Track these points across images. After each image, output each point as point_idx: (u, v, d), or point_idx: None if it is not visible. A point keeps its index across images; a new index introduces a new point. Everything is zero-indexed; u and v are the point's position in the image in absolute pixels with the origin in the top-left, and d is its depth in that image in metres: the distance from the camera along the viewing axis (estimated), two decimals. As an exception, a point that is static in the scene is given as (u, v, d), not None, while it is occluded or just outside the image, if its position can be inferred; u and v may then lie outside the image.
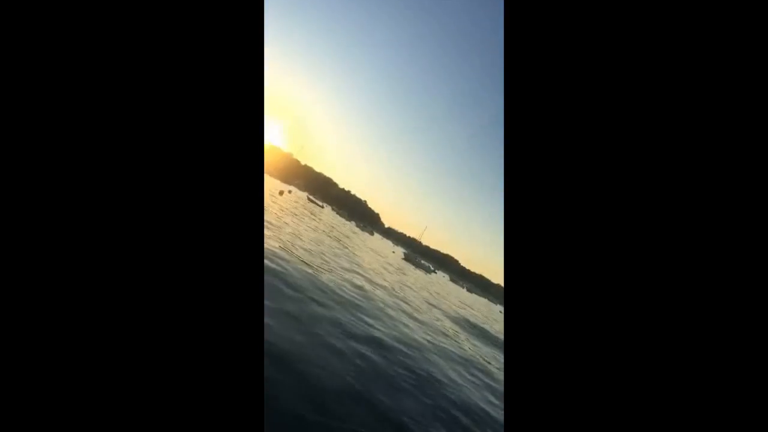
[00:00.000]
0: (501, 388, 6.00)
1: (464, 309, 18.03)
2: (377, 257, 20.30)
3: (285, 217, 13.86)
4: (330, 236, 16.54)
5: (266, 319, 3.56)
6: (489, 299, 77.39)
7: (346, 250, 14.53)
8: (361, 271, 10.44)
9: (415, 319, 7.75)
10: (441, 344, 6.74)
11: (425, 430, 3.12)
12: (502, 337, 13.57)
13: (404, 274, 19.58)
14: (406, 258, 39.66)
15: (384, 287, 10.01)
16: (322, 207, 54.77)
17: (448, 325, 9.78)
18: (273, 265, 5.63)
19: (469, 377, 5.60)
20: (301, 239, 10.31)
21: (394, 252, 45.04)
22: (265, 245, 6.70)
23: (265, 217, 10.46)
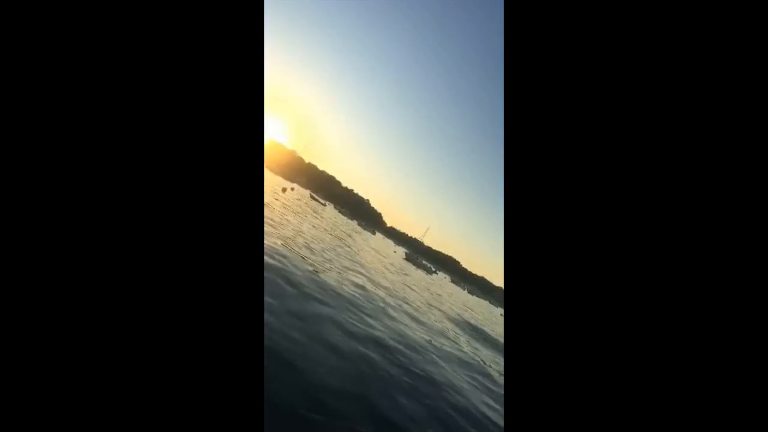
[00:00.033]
0: (500, 390, 5.97)
1: (466, 311, 18.02)
2: (378, 257, 20.31)
3: (287, 215, 13.89)
4: (332, 235, 16.56)
5: (266, 317, 3.55)
6: (490, 301, 77.35)
7: (348, 249, 14.54)
8: (362, 271, 10.44)
9: (416, 320, 7.74)
10: (441, 345, 6.72)
11: (422, 430, 3.11)
12: (501, 339, 13.54)
13: (405, 274, 19.58)
14: (408, 258, 39.69)
15: (385, 287, 10.00)
16: (325, 205, 54.88)
17: (448, 326, 9.76)
18: (274, 263, 5.63)
19: (468, 379, 5.58)
20: (303, 237, 10.32)
21: (395, 252, 45.09)
22: (267, 242, 6.71)
23: (268, 214, 10.49)
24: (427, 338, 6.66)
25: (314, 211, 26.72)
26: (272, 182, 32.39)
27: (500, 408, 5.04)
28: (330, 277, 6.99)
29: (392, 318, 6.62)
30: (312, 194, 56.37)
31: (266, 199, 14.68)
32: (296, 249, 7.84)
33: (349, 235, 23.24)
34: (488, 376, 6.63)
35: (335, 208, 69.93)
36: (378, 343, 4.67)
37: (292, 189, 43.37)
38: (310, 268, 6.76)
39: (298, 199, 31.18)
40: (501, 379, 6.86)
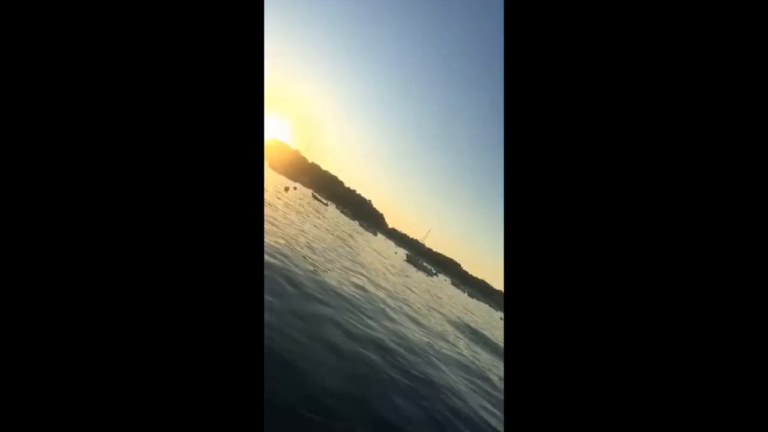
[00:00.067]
0: (498, 394, 5.95)
1: (465, 314, 17.95)
2: (380, 258, 20.29)
3: (290, 214, 13.90)
4: (333, 235, 16.56)
5: (267, 316, 3.56)
6: (490, 305, 77.06)
7: (349, 249, 14.54)
8: (363, 271, 10.44)
9: (416, 322, 7.72)
10: (440, 348, 6.71)
11: (421, 435, 3.10)
12: (500, 343, 13.49)
13: (406, 276, 19.55)
14: (409, 260, 39.63)
15: (385, 288, 9.99)
16: (327, 205, 54.92)
17: (448, 329, 9.73)
18: (276, 262, 5.64)
19: (467, 383, 5.56)
20: (304, 237, 10.32)
21: (396, 253, 45.04)
22: (269, 241, 6.72)
23: (270, 213, 10.50)
24: (427, 340, 6.64)
25: (316, 211, 26.73)
26: (276, 181, 32.42)
27: (498, 412, 5.02)
28: (331, 278, 6.99)
29: (392, 320, 6.60)
30: (314, 194, 56.43)
31: (269, 198, 14.71)
32: (298, 248, 7.85)
33: (351, 236, 23.23)
34: (487, 379, 6.60)
35: (337, 208, 69.96)
36: (377, 345, 4.66)
37: (295, 188, 43.41)
38: (311, 268, 6.76)
39: (301, 199, 31.22)
40: (499, 383, 6.84)
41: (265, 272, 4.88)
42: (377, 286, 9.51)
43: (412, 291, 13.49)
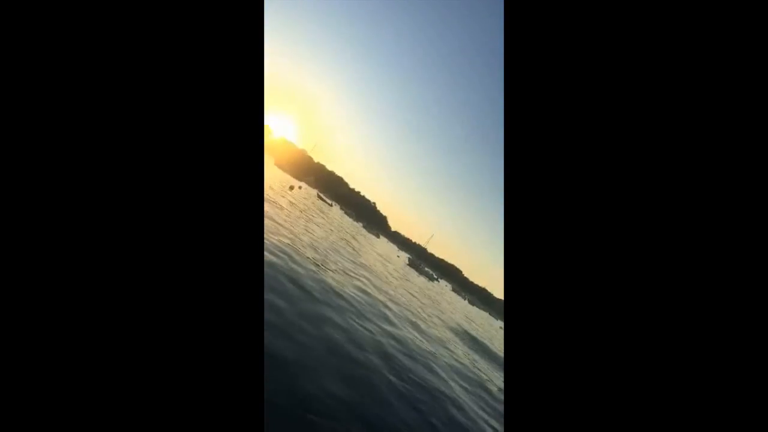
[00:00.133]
0: (495, 404, 5.88)
1: (466, 322, 17.86)
2: (382, 261, 20.27)
3: (294, 213, 13.93)
4: (336, 236, 16.57)
5: (267, 316, 3.54)
6: (490, 313, 76.71)
7: (352, 251, 14.53)
8: (364, 273, 10.42)
9: (416, 327, 7.68)
10: (440, 355, 6.65)
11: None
12: (499, 352, 13.40)
13: (407, 280, 19.50)
14: (411, 264, 39.59)
15: (386, 292, 9.96)
16: (331, 205, 55.07)
17: (448, 336, 9.67)
18: (277, 261, 5.63)
19: (466, 391, 5.50)
20: (307, 237, 10.33)
21: (398, 256, 45.04)
22: (272, 240, 6.72)
23: (274, 212, 10.52)
24: (426, 346, 6.59)
25: (320, 211, 26.81)
26: (281, 179, 32.60)
27: (494, 422, 4.96)
28: (332, 278, 6.97)
29: (392, 323, 6.57)
30: (319, 194, 56.66)
31: (273, 196, 14.77)
32: (300, 248, 7.85)
33: (354, 237, 23.25)
34: (486, 390, 6.53)
35: (341, 209, 70.14)
36: (377, 348, 4.63)
37: (300, 187, 43.61)
38: (313, 268, 6.75)
39: (305, 198, 31.33)
40: (498, 393, 6.76)
41: (267, 271, 4.87)
42: (378, 288, 9.48)
43: (413, 296, 13.44)
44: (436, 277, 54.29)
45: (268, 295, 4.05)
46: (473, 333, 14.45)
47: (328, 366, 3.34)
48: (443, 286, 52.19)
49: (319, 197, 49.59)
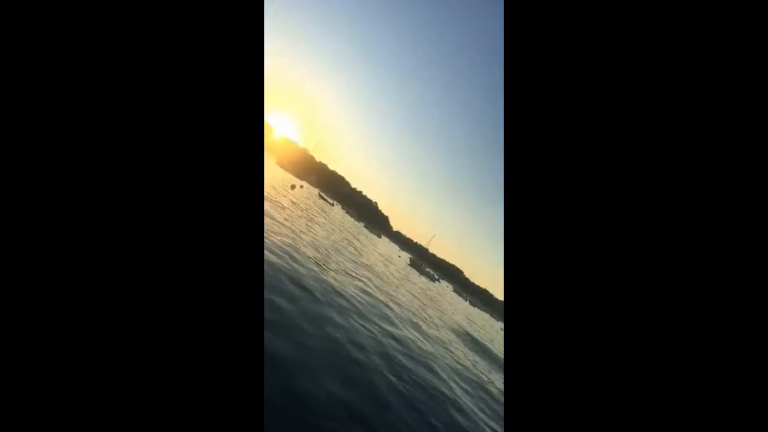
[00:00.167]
0: (495, 405, 5.86)
1: (467, 323, 17.83)
2: (383, 261, 20.27)
3: (295, 213, 13.94)
4: (338, 236, 16.58)
5: (267, 315, 3.53)
6: (491, 314, 76.62)
7: (353, 251, 14.53)
8: (366, 273, 10.41)
9: (417, 327, 7.66)
10: (440, 356, 6.64)
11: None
12: (499, 352, 13.37)
13: (408, 280, 19.49)
14: (412, 264, 39.59)
15: (388, 292, 9.94)
16: (333, 205, 55.10)
17: (449, 336, 9.65)
18: (278, 260, 5.62)
19: (466, 392, 5.48)
20: (308, 236, 10.33)
21: (399, 256, 45.05)
22: (273, 240, 6.71)
23: (275, 212, 10.53)
24: (427, 347, 6.57)
25: (322, 210, 26.83)
26: (283, 179, 32.66)
27: (495, 424, 4.94)
28: (333, 278, 6.96)
29: (393, 324, 6.55)
30: (320, 193, 56.68)
31: (275, 195, 14.78)
32: (302, 248, 7.84)
33: (356, 237, 23.26)
34: (487, 391, 6.51)
35: (343, 208, 70.22)
36: (378, 349, 4.61)
37: (301, 186, 43.66)
38: (315, 268, 6.74)
39: (307, 198, 31.36)
40: (498, 395, 6.74)
41: (268, 270, 4.86)
42: (379, 289, 9.47)
43: (414, 296, 13.43)
44: (437, 277, 54.29)
45: (268, 295, 4.04)
46: (474, 334, 14.42)
47: (328, 366, 3.33)
48: (444, 287, 52.17)
49: (321, 197, 49.62)
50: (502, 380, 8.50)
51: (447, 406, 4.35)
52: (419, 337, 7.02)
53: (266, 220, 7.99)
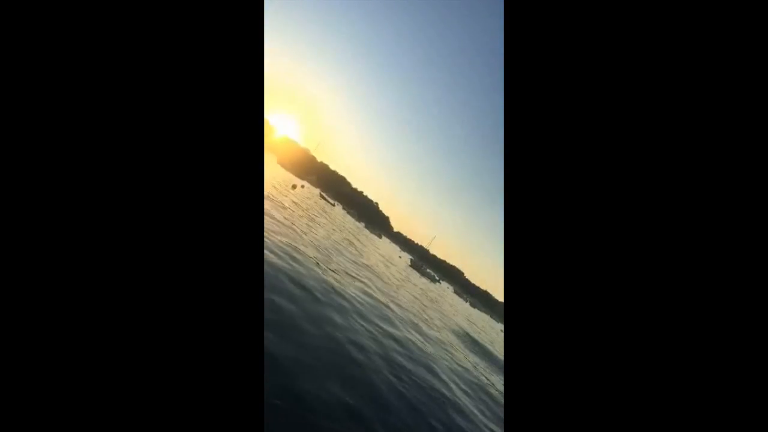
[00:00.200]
0: (494, 405, 5.84)
1: (468, 325, 17.80)
2: (384, 262, 20.25)
3: (296, 213, 13.94)
4: (339, 236, 16.57)
5: (267, 315, 3.52)
6: (491, 316, 76.48)
7: (354, 251, 14.52)
8: (366, 274, 10.40)
9: (417, 329, 7.65)
10: (440, 357, 6.62)
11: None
12: (499, 354, 13.34)
13: (409, 281, 19.46)
14: (413, 265, 39.56)
15: (388, 293, 9.93)
16: (334, 205, 55.08)
17: (450, 338, 9.63)
18: (278, 261, 5.62)
19: (466, 393, 5.46)
20: (308, 236, 10.32)
21: (400, 257, 45.01)
22: (274, 240, 6.71)
23: (275, 212, 10.53)
24: (427, 348, 6.56)
25: (323, 210, 26.84)
26: (284, 178, 32.69)
27: (493, 425, 4.92)
28: (334, 279, 6.95)
29: (394, 325, 6.54)
30: (321, 193, 56.66)
31: (275, 195, 14.79)
32: (302, 248, 7.83)
33: (357, 238, 23.25)
34: (487, 393, 6.49)
35: (343, 208, 70.21)
36: (378, 350, 4.60)
37: (302, 186, 43.65)
38: (315, 268, 6.74)
39: (308, 198, 31.37)
40: (499, 396, 6.72)
41: (268, 270, 4.86)
42: (381, 290, 9.46)
43: (415, 297, 13.41)
44: (437, 278, 54.20)
45: (268, 295, 4.03)
46: (475, 336, 14.40)
47: (328, 367, 3.32)
48: (445, 288, 52.14)
49: (322, 197, 49.62)
50: (503, 382, 8.47)
51: (447, 408, 4.34)
52: (420, 338, 7.01)
53: (267, 219, 7.98)
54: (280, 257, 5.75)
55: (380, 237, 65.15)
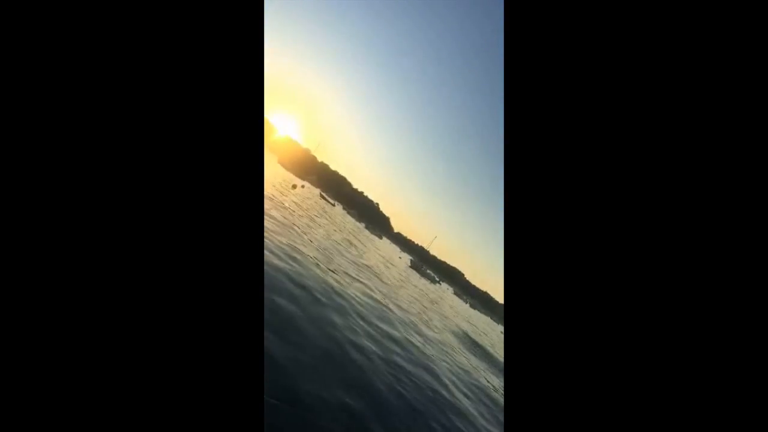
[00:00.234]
0: (494, 407, 5.83)
1: (468, 326, 17.78)
2: (384, 263, 20.24)
3: (296, 213, 13.93)
4: (339, 236, 16.57)
5: (267, 316, 3.52)
6: (491, 317, 76.38)
7: (354, 252, 14.51)
8: (366, 275, 10.39)
9: (418, 330, 7.64)
10: (440, 358, 6.61)
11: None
12: (499, 355, 13.33)
13: (409, 282, 19.45)
14: (413, 266, 39.53)
15: (388, 294, 9.92)
16: (334, 205, 55.05)
17: (450, 339, 9.62)
18: (278, 261, 5.61)
19: (466, 395, 5.45)
20: (308, 236, 10.32)
21: (400, 258, 44.98)
22: (274, 241, 6.71)
23: (275, 211, 10.53)
24: (427, 350, 6.55)
25: (323, 210, 26.84)
26: (284, 178, 32.71)
27: (492, 428, 4.91)
28: (334, 279, 6.95)
29: (394, 326, 6.53)
30: (322, 193, 56.64)
31: (276, 195, 14.79)
32: (302, 248, 7.83)
33: (357, 238, 23.24)
34: (487, 394, 6.48)
35: (344, 209, 70.19)
36: (378, 350, 4.59)
37: (303, 186, 43.65)
38: (315, 269, 6.73)
39: (308, 198, 31.37)
40: (499, 398, 6.71)
41: (268, 270, 4.85)
42: (381, 291, 9.45)
43: (415, 299, 13.40)
44: (438, 279, 54.15)
45: (269, 295, 4.03)
46: (475, 337, 14.38)
47: (328, 367, 3.31)
48: (445, 289, 52.10)
49: (322, 197, 49.59)
50: (503, 384, 8.46)
51: (446, 410, 4.33)
52: (420, 339, 7.00)
53: (267, 219, 7.98)
54: (279, 257, 5.75)
55: (380, 237, 65.14)
